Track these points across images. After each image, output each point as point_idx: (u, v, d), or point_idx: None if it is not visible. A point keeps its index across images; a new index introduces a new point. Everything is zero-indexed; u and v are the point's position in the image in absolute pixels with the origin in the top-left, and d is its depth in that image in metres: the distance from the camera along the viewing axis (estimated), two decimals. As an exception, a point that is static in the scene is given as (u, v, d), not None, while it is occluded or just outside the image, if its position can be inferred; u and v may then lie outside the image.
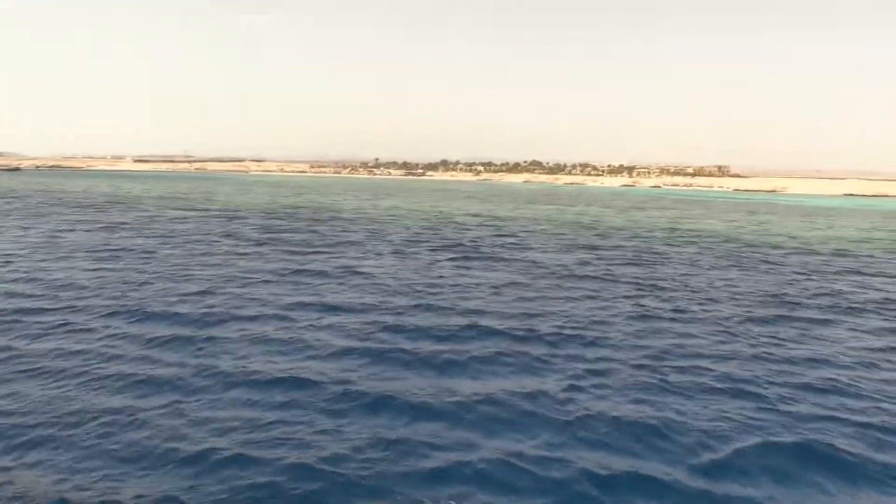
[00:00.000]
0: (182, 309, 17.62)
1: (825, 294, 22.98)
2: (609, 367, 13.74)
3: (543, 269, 26.73)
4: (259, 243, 32.95)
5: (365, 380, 12.55)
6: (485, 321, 17.13)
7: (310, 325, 16.42)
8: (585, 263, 28.99)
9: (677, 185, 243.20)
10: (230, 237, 35.65)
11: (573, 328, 16.76)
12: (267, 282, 22.08)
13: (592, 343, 15.56)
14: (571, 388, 12.40)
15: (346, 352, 14.29)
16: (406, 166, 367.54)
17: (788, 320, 18.67)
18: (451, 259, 29.05)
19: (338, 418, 10.77)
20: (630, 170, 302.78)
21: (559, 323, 17.31)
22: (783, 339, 16.49)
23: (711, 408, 11.62)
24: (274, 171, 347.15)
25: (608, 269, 27.18)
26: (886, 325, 18.74)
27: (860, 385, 13.09)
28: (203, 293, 19.82)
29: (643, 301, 20.62)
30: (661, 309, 19.50)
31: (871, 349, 15.89)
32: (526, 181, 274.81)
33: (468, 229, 45.50)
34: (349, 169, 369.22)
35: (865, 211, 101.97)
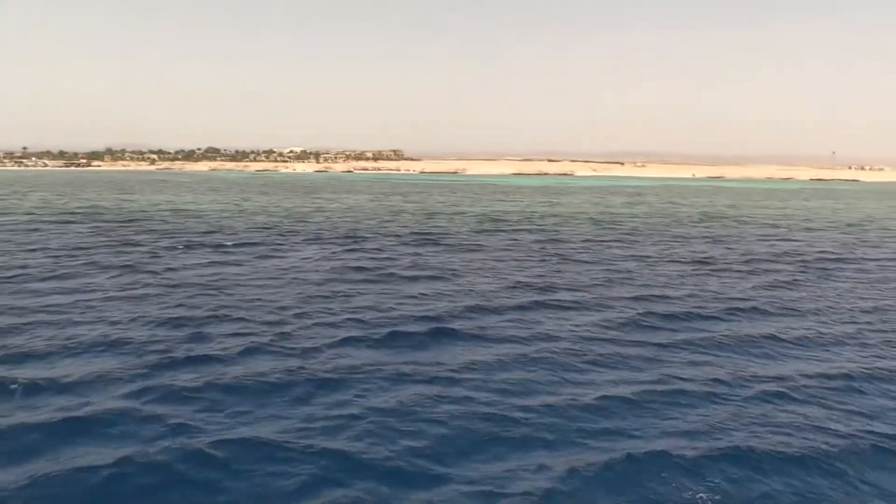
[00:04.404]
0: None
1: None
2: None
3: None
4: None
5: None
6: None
7: None
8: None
9: (367, 170, 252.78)
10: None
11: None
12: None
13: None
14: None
15: None
16: (64, 156, 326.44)
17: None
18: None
19: None
20: (317, 155, 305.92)
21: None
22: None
23: None
24: None
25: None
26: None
27: None
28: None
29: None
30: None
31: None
32: (212, 169, 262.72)
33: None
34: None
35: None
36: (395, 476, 8.98)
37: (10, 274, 23.38)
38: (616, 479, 8.95)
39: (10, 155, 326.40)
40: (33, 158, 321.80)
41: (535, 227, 43.47)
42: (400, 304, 18.86)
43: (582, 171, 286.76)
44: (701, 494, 8.54)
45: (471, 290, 20.92)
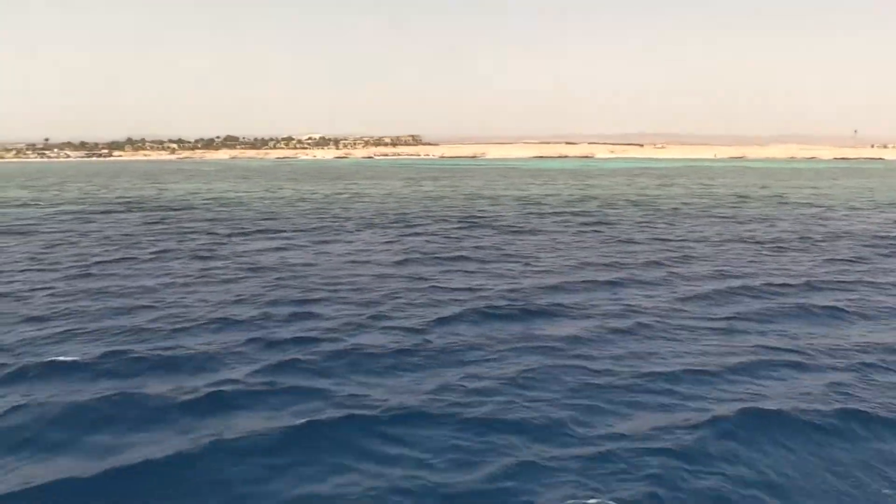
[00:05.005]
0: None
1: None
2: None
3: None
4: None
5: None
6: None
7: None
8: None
9: (387, 156, 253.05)
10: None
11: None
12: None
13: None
14: None
15: None
16: (85, 146, 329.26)
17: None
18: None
19: None
20: (336, 142, 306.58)
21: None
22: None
23: None
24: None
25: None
26: None
27: None
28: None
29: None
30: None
31: None
32: (233, 157, 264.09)
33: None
34: (14, 152, 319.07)
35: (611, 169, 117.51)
36: (539, 435, 9.48)
37: (89, 262, 24.10)
38: (738, 432, 9.45)
39: (32, 146, 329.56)
40: (55, 150, 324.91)
41: (578, 209, 43.71)
42: (483, 283, 19.34)
43: (601, 153, 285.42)
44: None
45: (545, 270, 21.38)
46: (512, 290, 18.21)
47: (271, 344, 13.88)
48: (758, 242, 28.16)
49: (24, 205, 51.65)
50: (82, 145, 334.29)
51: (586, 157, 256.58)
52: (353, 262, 23.43)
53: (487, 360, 12.58)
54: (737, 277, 20.20)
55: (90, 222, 38.39)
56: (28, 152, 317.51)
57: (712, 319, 15.54)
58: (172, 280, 20.73)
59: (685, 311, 16.29)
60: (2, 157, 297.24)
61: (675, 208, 45.22)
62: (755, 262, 23.20)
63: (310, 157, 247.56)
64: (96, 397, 10.98)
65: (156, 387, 11.52)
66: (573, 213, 40.43)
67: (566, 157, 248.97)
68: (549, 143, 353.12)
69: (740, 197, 57.10)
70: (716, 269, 21.64)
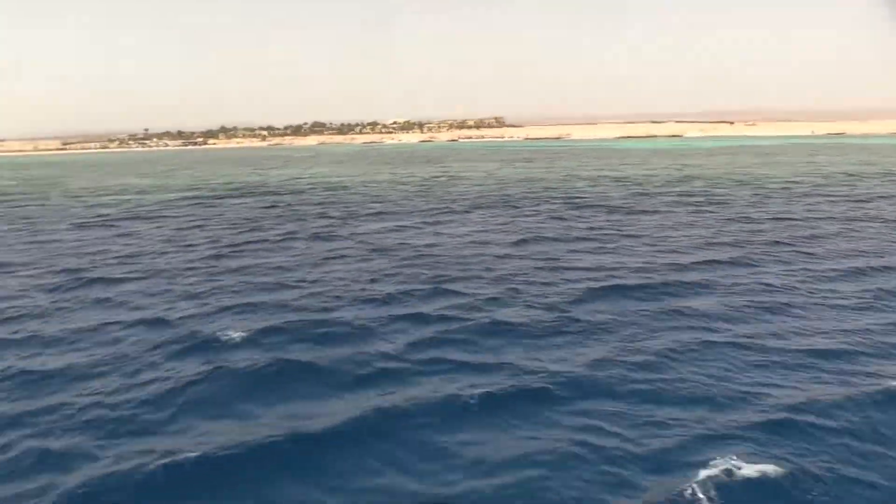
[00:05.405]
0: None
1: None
2: None
3: None
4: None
5: None
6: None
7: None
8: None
9: (471, 138, 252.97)
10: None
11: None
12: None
13: None
14: None
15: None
16: (181, 136, 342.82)
17: None
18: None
19: None
20: (421, 126, 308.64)
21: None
22: None
23: None
24: (29, 152, 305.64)
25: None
26: None
27: None
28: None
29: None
30: None
31: None
32: (321, 143, 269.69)
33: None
34: (117, 142, 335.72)
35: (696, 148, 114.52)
36: (711, 405, 9.71)
37: (221, 244, 25.47)
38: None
39: (134, 136, 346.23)
40: (154, 139, 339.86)
41: (683, 190, 42.70)
42: (613, 262, 19.54)
43: (691, 132, 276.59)
44: None
45: (672, 249, 21.37)
46: (644, 269, 18.32)
47: (418, 318, 14.47)
48: (885, 221, 27.06)
49: (142, 192, 54.55)
50: (179, 134, 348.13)
51: (675, 136, 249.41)
52: (474, 242, 23.89)
53: (640, 336, 12.80)
54: (875, 256, 19.61)
55: (210, 207, 40.29)
56: (130, 142, 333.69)
57: (856, 297, 15.23)
58: (304, 260, 21.71)
59: (826, 289, 16.02)
60: (106, 147, 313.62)
61: (785, 187, 43.66)
62: (890, 241, 22.38)
63: (395, 142, 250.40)
64: (264, 369, 11.76)
65: (318, 359, 12.21)
66: (679, 194, 39.62)
67: (654, 136, 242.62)
68: (633, 122, 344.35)
69: (850, 175, 54.53)
70: (850, 247, 21.04)
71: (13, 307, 16.86)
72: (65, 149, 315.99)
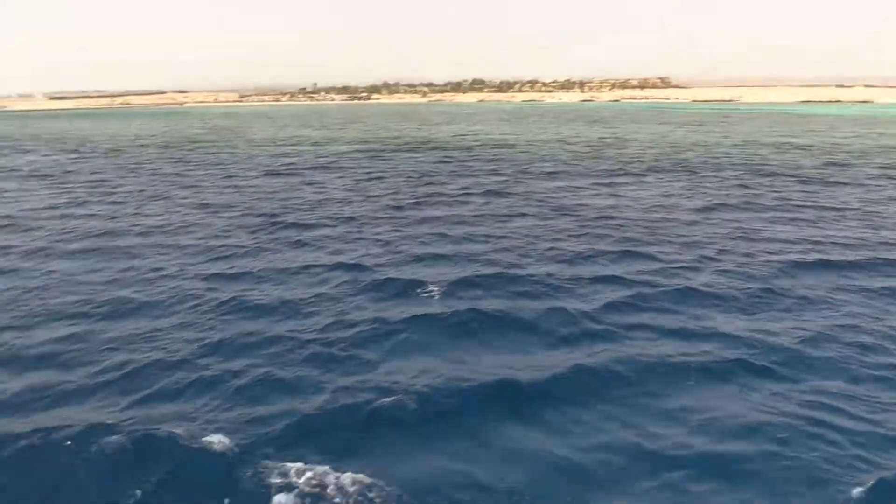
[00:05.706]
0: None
1: None
2: None
3: None
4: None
5: None
6: None
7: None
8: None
9: (635, 98, 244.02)
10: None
11: None
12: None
13: None
14: None
15: None
16: (347, 90, 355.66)
17: None
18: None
19: None
20: (581, 85, 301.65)
21: None
22: None
23: None
24: (211, 103, 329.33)
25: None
26: None
27: None
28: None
29: None
30: None
31: None
32: (480, 100, 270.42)
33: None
34: (288, 96, 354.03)
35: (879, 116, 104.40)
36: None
37: (403, 195, 26.20)
38: None
39: (303, 90, 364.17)
40: (322, 93, 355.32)
41: (884, 162, 38.59)
42: (814, 235, 18.28)
43: (884, 97, 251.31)
44: None
45: (881, 226, 19.54)
46: (856, 245, 16.93)
47: (612, 280, 14.19)
48: None
49: (317, 143, 57.14)
50: (344, 89, 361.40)
51: (865, 101, 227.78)
52: (658, 206, 23.08)
53: (859, 315, 11.83)
54: None
55: (383, 160, 41.52)
56: (299, 95, 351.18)
57: None
58: (486, 215, 21.85)
59: None
60: (278, 101, 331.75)
61: None
62: None
63: (555, 101, 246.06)
64: (465, 319, 11.97)
65: (517, 313, 12.28)
66: (882, 166, 35.99)
67: (840, 101, 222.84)
68: (813, 86, 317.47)
69: None
70: None
71: (223, 245, 18.23)
72: (241, 101, 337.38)
